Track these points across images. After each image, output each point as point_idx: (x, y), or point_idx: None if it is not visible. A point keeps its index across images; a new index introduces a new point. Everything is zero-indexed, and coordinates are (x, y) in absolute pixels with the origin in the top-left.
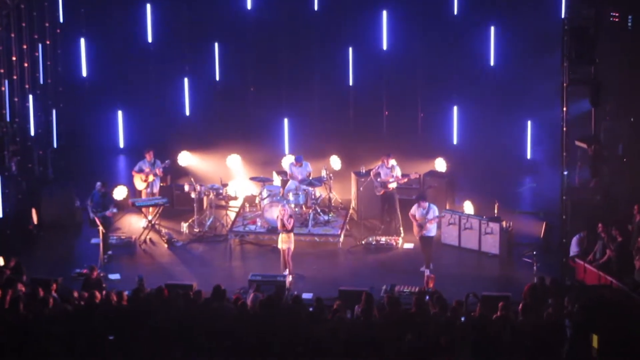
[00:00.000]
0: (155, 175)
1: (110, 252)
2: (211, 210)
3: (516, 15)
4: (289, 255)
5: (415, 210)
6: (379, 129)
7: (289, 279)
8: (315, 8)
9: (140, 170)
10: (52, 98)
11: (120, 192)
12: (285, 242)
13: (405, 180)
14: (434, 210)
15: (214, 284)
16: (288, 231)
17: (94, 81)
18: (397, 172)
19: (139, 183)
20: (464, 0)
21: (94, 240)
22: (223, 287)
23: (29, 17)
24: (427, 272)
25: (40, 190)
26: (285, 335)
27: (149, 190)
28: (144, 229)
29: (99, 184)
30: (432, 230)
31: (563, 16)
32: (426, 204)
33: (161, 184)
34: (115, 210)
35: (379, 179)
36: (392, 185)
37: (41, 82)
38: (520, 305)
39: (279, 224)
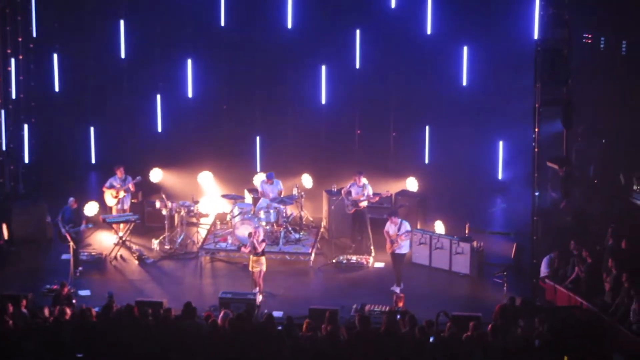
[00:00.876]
0: (126, 191)
1: (80, 268)
2: (182, 228)
3: (489, 36)
4: (261, 277)
5: (388, 227)
6: (351, 147)
7: (260, 297)
8: (289, 26)
9: (111, 187)
10: (24, 113)
11: (91, 208)
12: (256, 265)
13: (377, 198)
14: (406, 226)
15: (185, 302)
16: (258, 254)
17: (67, 96)
18: (369, 190)
19: (110, 199)
20: (437, 20)
21: (64, 256)
22: (194, 305)
23: (2, 32)
24: (397, 291)
25: (11, 206)
26: (255, 353)
27: (119, 206)
28: (115, 245)
29: (71, 199)
30: (403, 246)
31: (536, 37)
32: (397, 220)
33: (132, 201)
34: (90, 225)
35: (350, 197)
36: (363, 204)
37: (13, 96)
38: (490, 325)
39: (248, 246)
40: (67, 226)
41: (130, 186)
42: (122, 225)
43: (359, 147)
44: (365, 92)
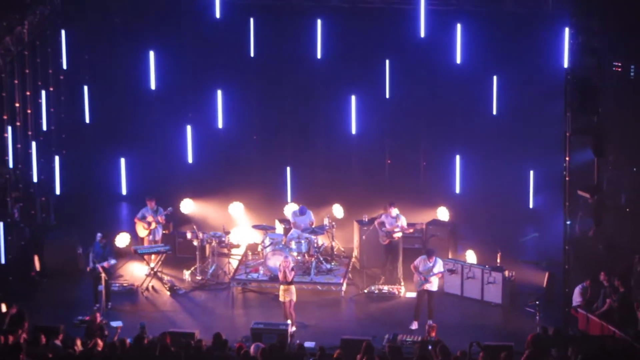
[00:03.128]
0: (157, 222)
1: (110, 304)
2: (213, 258)
3: (519, 65)
4: (292, 307)
5: (419, 263)
6: (381, 177)
7: (292, 328)
8: (319, 56)
9: (143, 218)
10: (55, 144)
11: (122, 240)
12: (287, 294)
13: (412, 230)
14: (440, 265)
15: (216, 332)
16: (289, 283)
17: (97, 128)
18: (403, 221)
19: (142, 230)
20: (466, 49)
21: (100, 287)
22: (224, 336)
23: (33, 64)
24: (429, 322)
25: (43, 237)
26: None
27: (151, 237)
28: (146, 276)
29: (99, 235)
30: (435, 284)
31: (566, 66)
32: (433, 258)
33: (163, 232)
34: (113, 261)
35: (384, 229)
36: (398, 235)
37: (44, 128)
38: (524, 355)
39: (280, 275)
40: (95, 261)
41: (160, 218)
42: (153, 257)
43: (390, 177)
44: (395, 121)
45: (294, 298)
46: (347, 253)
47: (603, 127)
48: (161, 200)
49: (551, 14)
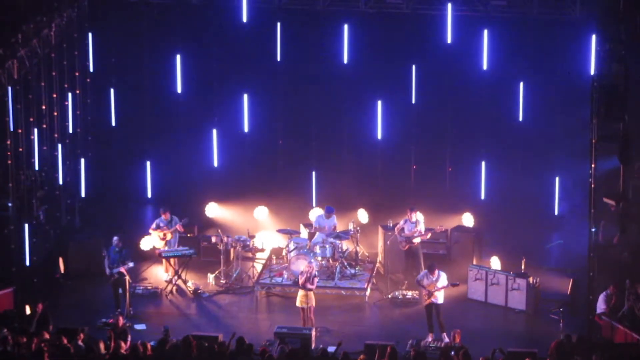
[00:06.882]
0: (173, 233)
1: (131, 309)
2: (238, 262)
3: (545, 71)
4: (312, 312)
5: (423, 278)
6: (406, 182)
7: (314, 332)
8: (345, 61)
9: (157, 228)
10: (80, 147)
11: (146, 243)
12: (307, 300)
13: (429, 235)
14: (444, 278)
15: (239, 336)
16: (309, 289)
17: (123, 130)
18: (421, 227)
19: (157, 241)
20: (493, 55)
21: (120, 291)
22: (247, 340)
23: (60, 66)
24: (446, 340)
25: (68, 239)
26: None
27: (167, 248)
28: (171, 279)
29: (115, 239)
30: (440, 297)
31: (592, 73)
32: (435, 272)
33: (188, 235)
34: (131, 264)
35: (402, 234)
36: (416, 241)
37: (70, 131)
38: None
39: (302, 279)
40: (112, 266)
41: (178, 227)
42: (176, 260)
43: (415, 183)
44: (421, 127)
45: (314, 303)
46: (372, 258)
47: (629, 134)
48: (186, 203)
49: (578, 21)
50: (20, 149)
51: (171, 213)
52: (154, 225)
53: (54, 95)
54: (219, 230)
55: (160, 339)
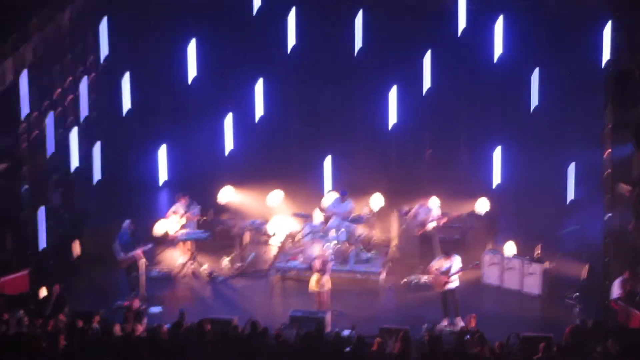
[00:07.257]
0: (189, 218)
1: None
2: (253, 246)
3: (560, 58)
4: (328, 296)
5: (438, 264)
6: (421, 168)
7: (329, 316)
8: (359, 46)
9: (174, 213)
10: (95, 131)
11: (161, 227)
12: (322, 284)
13: (445, 219)
14: (459, 261)
15: (254, 320)
16: (323, 273)
17: (137, 115)
18: (436, 212)
19: (173, 225)
20: (508, 42)
21: (134, 274)
22: (262, 323)
23: (74, 51)
24: (459, 322)
25: (83, 223)
26: None
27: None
28: (186, 262)
29: (127, 222)
30: (456, 281)
31: (607, 59)
32: (451, 257)
33: (204, 218)
34: (150, 244)
35: (417, 219)
36: (431, 225)
37: (85, 115)
38: (557, 346)
39: (317, 264)
40: (126, 250)
41: (190, 214)
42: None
43: (429, 168)
44: (436, 112)
45: (329, 286)
46: (387, 242)
47: None
48: (200, 187)
49: (593, 7)
50: (35, 132)
51: (190, 198)
52: (170, 212)
53: (70, 78)
54: (234, 214)
55: (175, 321)
